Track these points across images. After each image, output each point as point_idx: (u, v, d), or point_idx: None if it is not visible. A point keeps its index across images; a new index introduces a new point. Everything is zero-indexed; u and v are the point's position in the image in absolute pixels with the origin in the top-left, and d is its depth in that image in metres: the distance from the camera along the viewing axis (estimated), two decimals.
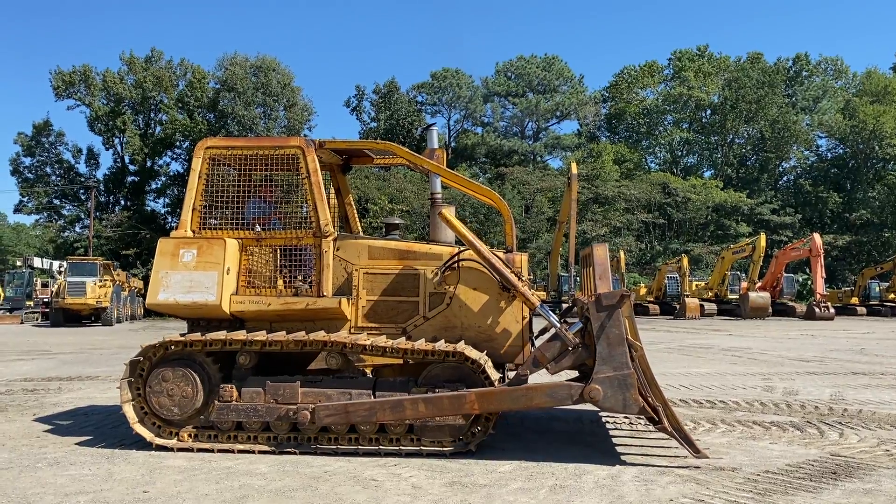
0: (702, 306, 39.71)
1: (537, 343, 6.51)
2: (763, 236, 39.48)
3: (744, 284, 40.75)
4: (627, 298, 5.82)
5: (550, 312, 6.41)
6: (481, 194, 7.10)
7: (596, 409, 5.97)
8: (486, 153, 62.98)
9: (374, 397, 6.15)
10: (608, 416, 8.05)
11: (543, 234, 50.04)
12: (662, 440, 6.82)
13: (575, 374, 6.59)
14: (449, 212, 6.70)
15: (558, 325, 6.18)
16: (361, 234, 7.78)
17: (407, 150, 7.09)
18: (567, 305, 7.94)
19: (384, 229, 7.51)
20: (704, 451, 5.94)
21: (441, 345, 6.22)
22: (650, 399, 5.96)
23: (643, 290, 45.95)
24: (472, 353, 6.16)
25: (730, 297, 41.32)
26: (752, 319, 36.73)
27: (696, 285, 43.69)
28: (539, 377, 6.46)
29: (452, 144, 64.45)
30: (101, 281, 31.71)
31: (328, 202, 6.78)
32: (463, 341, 6.50)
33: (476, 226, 45.91)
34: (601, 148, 61.91)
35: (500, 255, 6.65)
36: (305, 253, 6.63)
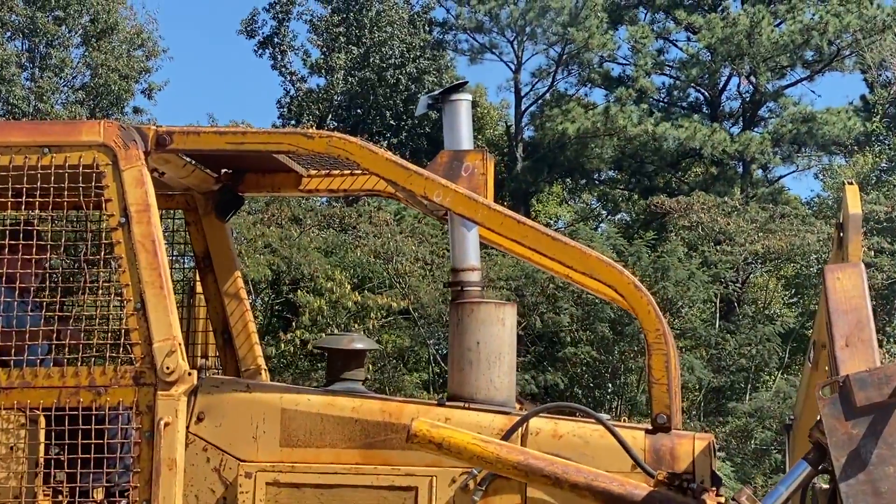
0: None
1: None
2: None
3: None
4: None
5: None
6: (587, 273, 3.03)
7: None
8: (614, 157, 27.73)
9: None
10: None
11: (771, 376, 18.98)
12: None
13: None
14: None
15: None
16: (265, 377, 3.84)
17: (386, 153, 3.13)
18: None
19: (326, 363, 3.48)
20: None
21: None
22: None
23: None
24: None
25: None
26: None
27: None
28: None
29: (527, 133, 28.93)
30: None
31: (178, 292, 3.40)
32: None
33: (584, 358, 17.48)
34: None
35: (638, 435, 3.04)
36: (113, 428, 3.03)
